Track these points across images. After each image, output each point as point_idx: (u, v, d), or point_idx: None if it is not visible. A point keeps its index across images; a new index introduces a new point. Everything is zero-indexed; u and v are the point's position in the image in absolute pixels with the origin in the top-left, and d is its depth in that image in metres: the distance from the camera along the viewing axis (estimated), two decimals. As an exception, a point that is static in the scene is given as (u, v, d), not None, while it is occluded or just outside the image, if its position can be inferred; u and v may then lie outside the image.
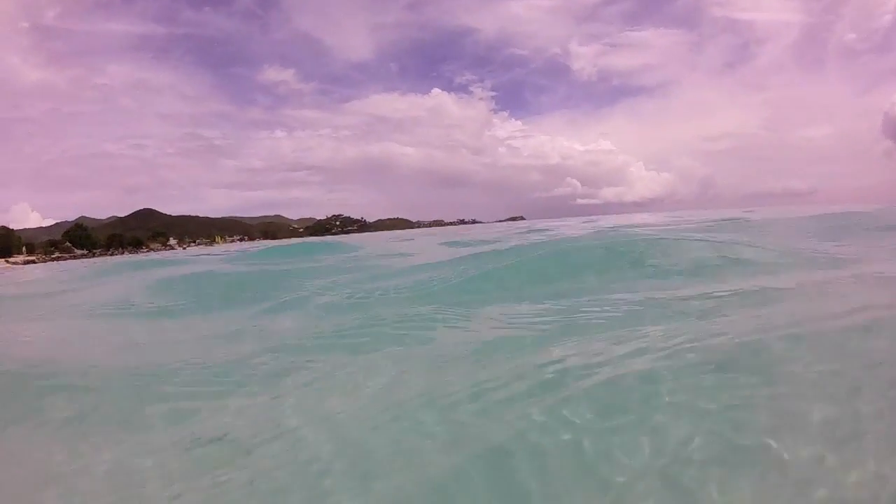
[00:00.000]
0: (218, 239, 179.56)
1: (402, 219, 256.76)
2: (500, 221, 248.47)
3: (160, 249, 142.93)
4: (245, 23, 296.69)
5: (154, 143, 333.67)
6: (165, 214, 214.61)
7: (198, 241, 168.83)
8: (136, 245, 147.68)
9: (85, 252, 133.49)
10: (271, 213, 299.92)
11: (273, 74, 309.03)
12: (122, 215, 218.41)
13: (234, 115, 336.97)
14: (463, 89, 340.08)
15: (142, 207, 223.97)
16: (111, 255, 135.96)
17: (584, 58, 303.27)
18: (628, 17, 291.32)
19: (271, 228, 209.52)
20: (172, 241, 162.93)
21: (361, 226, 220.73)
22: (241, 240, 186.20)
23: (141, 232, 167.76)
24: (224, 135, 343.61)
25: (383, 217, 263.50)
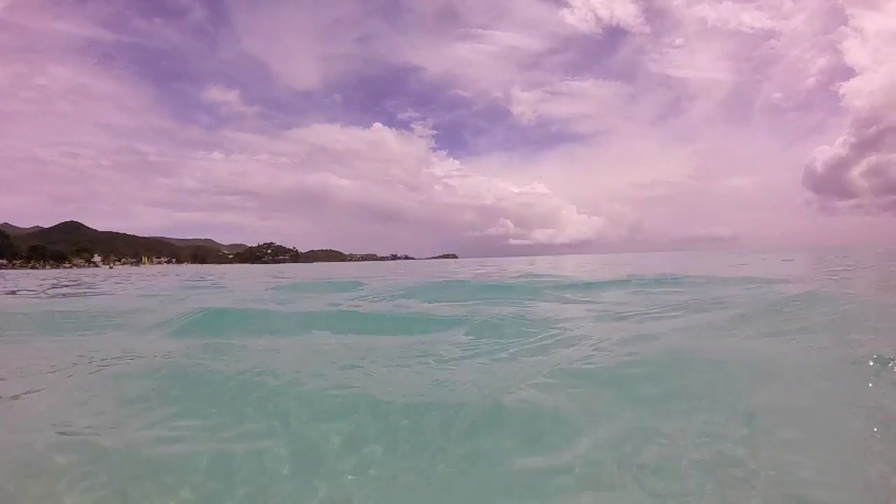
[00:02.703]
0: (145, 260, 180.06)
1: (334, 251, 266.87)
2: (433, 258, 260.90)
3: (83, 266, 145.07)
4: (194, 38, 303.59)
5: (88, 152, 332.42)
6: (92, 229, 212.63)
7: (123, 260, 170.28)
8: (59, 259, 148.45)
9: (3, 262, 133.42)
10: (202, 236, 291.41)
11: (217, 94, 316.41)
12: (46, 226, 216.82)
13: (174, 132, 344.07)
14: (404, 126, 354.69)
15: (68, 219, 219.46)
16: (32, 267, 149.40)
17: (525, 103, 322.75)
18: (570, 67, 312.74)
19: (201, 252, 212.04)
20: (97, 259, 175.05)
21: (293, 256, 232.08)
22: (168, 262, 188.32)
23: (65, 245, 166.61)
24: (160, 151, 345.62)
25: (316, 248, 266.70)
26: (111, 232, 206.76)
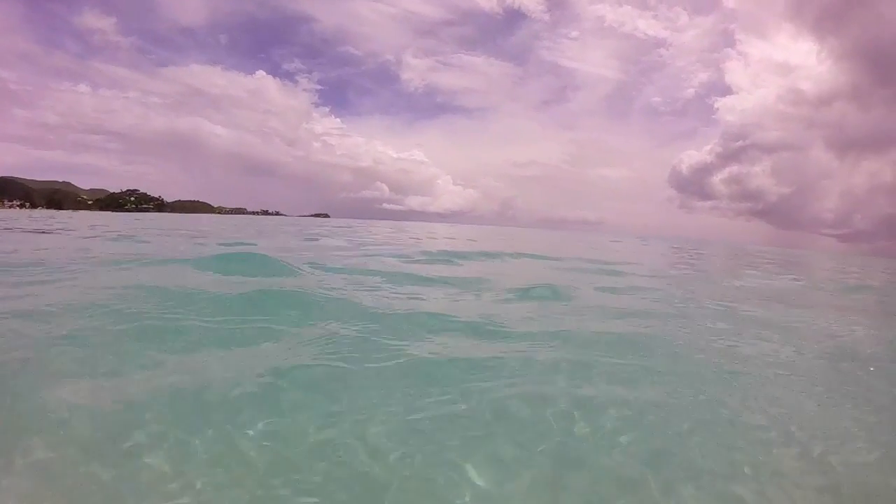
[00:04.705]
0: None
1: (203, 202, 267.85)
2: (305, 216, 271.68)
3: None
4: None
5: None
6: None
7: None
8: None
9: None
10: (60, 178, 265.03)
11: (91, 19, 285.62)
12: None
13: (38, 57, 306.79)
14: (289, 77, 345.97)
15: None
16: None
17: (415, 70, 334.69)
18: (465, 40, 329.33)
19: (58, 196, 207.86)
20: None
21: (158, 205, 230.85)
22: (21, 205, 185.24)
23: None
24: (21, 79, 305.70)
25: (183, 198, 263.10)
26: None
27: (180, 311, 4.94)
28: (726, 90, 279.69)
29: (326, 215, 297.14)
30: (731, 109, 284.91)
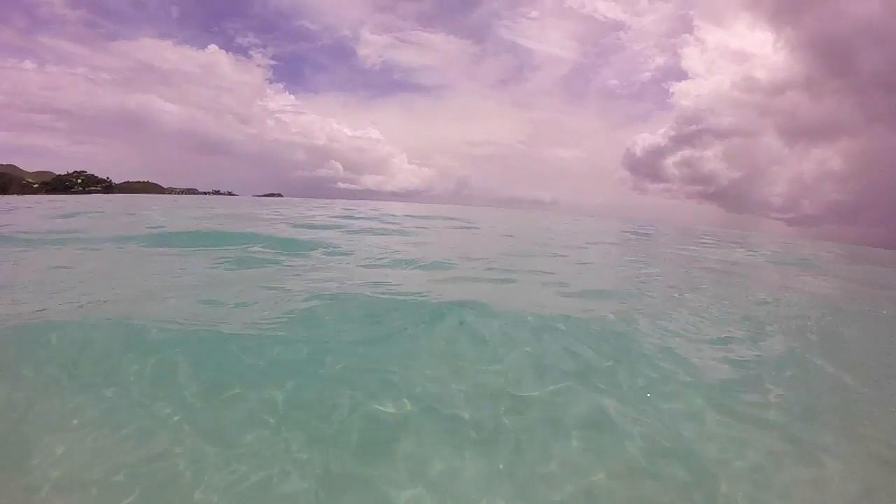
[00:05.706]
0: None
1: (152, 183, 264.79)
2: (258, 196, 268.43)
3: None
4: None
5: None
6: None
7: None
8: None
9: None
10: (4, 161, 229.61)
11: None
12: None
13: None
14: (242, 52, 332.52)
15: None
16: None
17: (372, 46, 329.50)
18: (423, 17, 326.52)
19: (3, 181, 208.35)
20: None
21: (106, 187, 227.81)
22: None
23: None
24: None
25: (132, 179, 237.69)
26: None
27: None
28: (682, 75, 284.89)
29: (280, 195, 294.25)
30: (686, 94, 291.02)
